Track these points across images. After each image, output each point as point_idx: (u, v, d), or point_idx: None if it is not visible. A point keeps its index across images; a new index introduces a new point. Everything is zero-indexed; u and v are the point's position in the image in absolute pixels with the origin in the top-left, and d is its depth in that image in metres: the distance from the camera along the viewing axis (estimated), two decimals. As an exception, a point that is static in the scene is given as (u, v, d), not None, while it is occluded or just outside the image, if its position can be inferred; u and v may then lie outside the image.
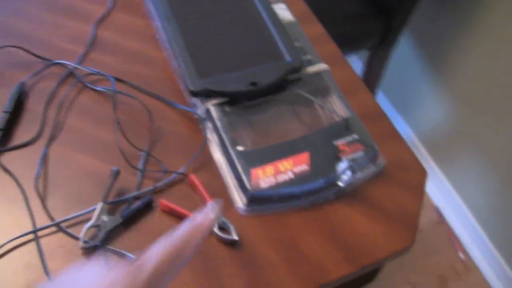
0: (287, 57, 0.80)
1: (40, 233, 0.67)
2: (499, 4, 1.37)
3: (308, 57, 0.84)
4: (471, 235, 1.73)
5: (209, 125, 0.77)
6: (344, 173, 0.72)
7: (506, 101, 1.43)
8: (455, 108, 1.64)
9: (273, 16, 0.86)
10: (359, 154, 0.74)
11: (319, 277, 0.67)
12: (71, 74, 0.83)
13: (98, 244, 0.66)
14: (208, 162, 0.75)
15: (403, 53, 1.79)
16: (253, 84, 0.76)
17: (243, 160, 0.71)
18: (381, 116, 0.84)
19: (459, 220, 1.77)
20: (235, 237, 0.67)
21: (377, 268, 0.83)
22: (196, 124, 0.79)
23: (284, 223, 0.71)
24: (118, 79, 0.83)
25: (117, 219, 0.67)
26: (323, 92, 0.81)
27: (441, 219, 1.79)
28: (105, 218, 0.67)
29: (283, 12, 0.90)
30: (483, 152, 1.58)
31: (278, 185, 0.70)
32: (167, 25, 0.83)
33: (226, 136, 0.73)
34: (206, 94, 0.76)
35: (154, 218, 0.70)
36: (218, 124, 0.74)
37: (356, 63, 2.06)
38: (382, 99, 1.99)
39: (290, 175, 0.71)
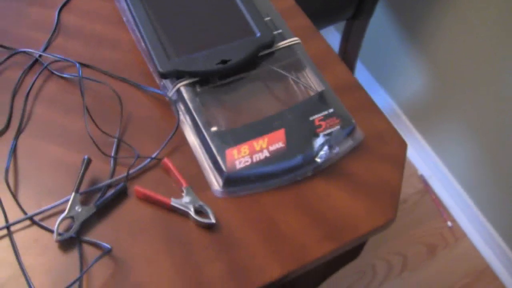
0: (257, 33, 0.78)
1: (13, 228, 0.66)
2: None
3: (279, 31, 0.82)
4: (457, 203, 1.73)
5: (181, 106, 0.75)
6: (321, 149, 0.70)
7: (485, 67, 1.42)
8: (435, 76, 1.62)
9: (242, -9, 0.83)
10: (335, 128, 0.72)
11: (301, 256, 0.66)
12: (36, 62, 0.80)
13: (73, 236, 0.64)
14: (181, 145, 0.74)
15: (380, 22, 1.77)
16: (224, 62, 0.74)
17: (217, 140, 0.69)
18: (357, 88, 0.83)
19: (445, 189, 1.77)
20: (213, 220, 0.66)
21: (361, 244, 0.82)
22: (168, 107, 0.77)
23: (262, 202, 0.70)
24: (84, 65, 0.80)
25: (91, 208, 0.66)
26: (296, 66, 0.79)
27: (427, 188, 1.79)
28: (78, 208, 0.65)
29: (252, -13, 0.88)
30: (465, 119, 1.57)
31: (254, 165, 0.68)
32: (132, 6, 0.80)
33: (199, 117, 0.71)
34: (176, 75, 0.74)
35: (130, 206, 0.68)
36: (190, 105, 0.72)
37: (334, 35, 2.04)
38: (361, 70, 1.97)
39: (266, 153, 0.69)
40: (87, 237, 0.65)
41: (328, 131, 0.72)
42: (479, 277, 1.64)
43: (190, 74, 0.74)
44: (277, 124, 0.71)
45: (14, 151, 0.72)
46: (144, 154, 0.72)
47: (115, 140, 0.73)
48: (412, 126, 1.82)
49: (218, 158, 0.68)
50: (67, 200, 0.66)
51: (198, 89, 0.74)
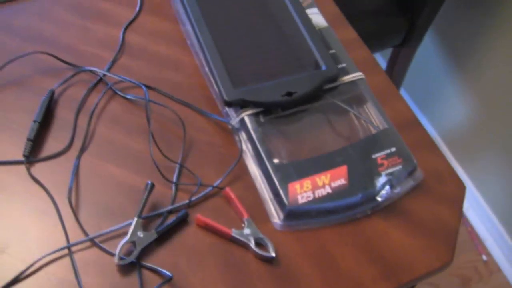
0: (323, 66, 0.78)
1: (73, 248, 0.66)
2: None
3: (343, 65, 0.81)
4: (493, 236, 1.70)
5: (243, 135, 0.75)
6: (383, 188, 0.70)
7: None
8: (478, 108, 1.61)
9: (308, 22, 0.83)
10: (397, 168, 0.72)
11: (358, 294, 0.66)
12: (100, 81, 0.81)
13: (134, 261, 0.65)
14: (242, 174, 0.74)
15: (427, 51, 1.76)
16: (289, 94, 0.74)
17: (280, 173, 0.69)
18: (417, 125, 0.82)
19: (481, 221, 1.74)
20: (273, 254, 0.66)
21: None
22: (229, 134, 0.77)
23: (321, 238, 0.69)
24: (148, 87, 0.81)
25: (152, 235, 0.66)
26: (358, 101, 0.79)
27: (463, 220, 1.77)
28: (140, 234, 0.66)
29: (316, 17, 0.88)
30: (505, 152, 1.55)
31: (316, 200, 0.68)
32: (199, 31, 0.80)
33: (262, 148, 0.71)
34: (240, 104, 0.74)
35: (189, 233, 0.68)
36: (254, 135, 0.72)
37: (379, 61, 2.03)
38: (404, 97, 1.96)
39: (328, 189, 0.69)
40: (147, 263, 0.65)
41: (390, 170, 0.71)
42: (512, 313, 1.62)
43: (255, 104, 0.74)
44: (340, 160, 0.71)
45: (76, 170, 0.72)
46: (204, 180, 0.72)
47: (177, 165, 0.73)
48: (451, 156, 1.80)
49: (281, 191, 0.68)
50: (129, 224, 0.67)
51: (261, 119, 0.74)
